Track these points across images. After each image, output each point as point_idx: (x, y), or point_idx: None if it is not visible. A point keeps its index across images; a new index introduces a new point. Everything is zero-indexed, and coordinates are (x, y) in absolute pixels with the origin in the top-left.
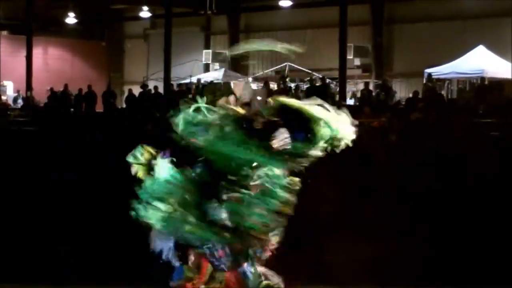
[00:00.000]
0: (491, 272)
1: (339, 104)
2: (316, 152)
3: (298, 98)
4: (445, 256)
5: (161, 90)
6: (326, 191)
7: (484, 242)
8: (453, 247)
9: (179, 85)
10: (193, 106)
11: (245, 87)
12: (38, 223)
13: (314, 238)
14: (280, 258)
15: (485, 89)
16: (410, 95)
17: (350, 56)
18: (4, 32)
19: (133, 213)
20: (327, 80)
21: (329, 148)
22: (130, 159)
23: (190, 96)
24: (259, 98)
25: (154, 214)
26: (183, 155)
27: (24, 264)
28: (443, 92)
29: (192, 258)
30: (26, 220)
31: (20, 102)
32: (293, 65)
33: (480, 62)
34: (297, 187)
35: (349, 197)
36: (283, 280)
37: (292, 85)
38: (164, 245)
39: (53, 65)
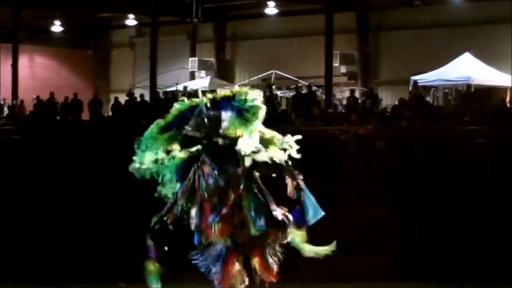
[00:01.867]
0: (478, 271)
1: (325, 112)
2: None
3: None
4: (436, 258)
5: (147, 98)
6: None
7: (472, 243)
8: (443, 251)
9: (165, 93)
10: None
11: None
12: (24, 230)
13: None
14: None
15: (471, 96)
16: (397, 102)
17: (336, 64)
18: None
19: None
20: (313, 88)
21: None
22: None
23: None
24: None
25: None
26: None
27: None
28: (429, 99)
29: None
30: (11, 226)
31: (5, 110)
32: (279, 72)
33: (467, 69)
34: None
35: (335, 202)
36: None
37: (279, 92)
38: None
39: (39, 73)
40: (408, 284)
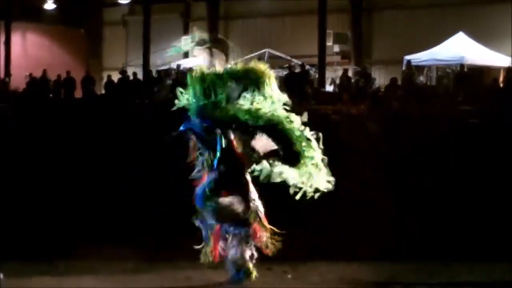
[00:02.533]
0: (470, 250)
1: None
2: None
3: None
4: (428, 236)
5: (140, 76)
6: None
7: (465, 221)
8: (437, 228)
9: (158, 71)
10: None
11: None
12: (15, 208)
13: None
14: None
15: (464, 76)
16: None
17: (329, 43)
18: None
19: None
20: (307, 67)
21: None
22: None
23: (169, 82)
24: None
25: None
26: None
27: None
28: (422, 79)
29: None
30: (2, 205)
31: None
32: (272, 51)
33: (460, 49)
34: None
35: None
36: None
37: (272, 71)
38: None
39: (31, 51)
40: (402, 264)
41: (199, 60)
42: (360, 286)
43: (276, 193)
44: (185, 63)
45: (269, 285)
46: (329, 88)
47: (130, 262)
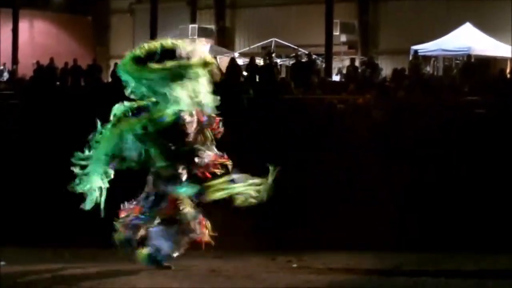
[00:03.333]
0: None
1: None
2: None
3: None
4: (433, 226)
5: None
6: (313, 166)
7: (471, 211)
8: (442, 218)
9: None
10: None
11: None
12: (22, 196)
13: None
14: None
15: (471, 66)
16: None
17: (336, 33)
18: None
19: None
20: (313, 56)
21: None
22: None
23: None
24: None
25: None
26: None
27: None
28: (429, 69)
29: None
30: (9, 192)
31: (5, 75)
32: (279, 40)
33: (467, 39)
34: None
35: (336, 172)
36: None
37: (278, 60)
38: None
39: (38, 39)
40: (406, 254)
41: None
42: (364, 275)
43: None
44: None
45: (273, 274)
46: (336, 78)
47: None
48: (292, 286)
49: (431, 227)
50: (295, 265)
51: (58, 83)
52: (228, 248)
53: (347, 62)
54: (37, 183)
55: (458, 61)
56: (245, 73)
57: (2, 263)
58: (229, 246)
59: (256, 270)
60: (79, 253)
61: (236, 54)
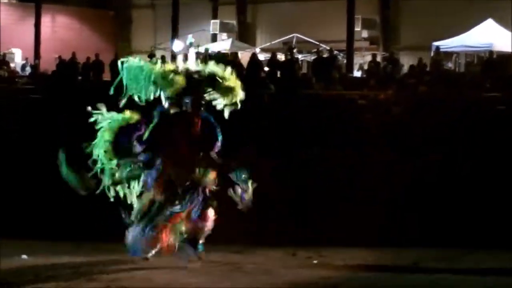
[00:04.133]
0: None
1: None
2: None
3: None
4: (452, 222)
5: (168, 59)
6: (332, 162)
7: (490, 208)
8: (461, 215)
9: (186, 55)
10: None
11: None
12: (41, 189)
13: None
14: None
15: (493, 63)
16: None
17: (357, 28)
18: (13, 0)
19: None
20: (335, 52)
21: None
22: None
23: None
24: None
25: None
26: None
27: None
28: (451, 66)
29: None
30: (29, 186)
31: (28, 69)
32: (300, 36)
33: (489, 35)
34: None
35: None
36: None
37: (300, 56)
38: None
39: (60, 33)
40: (424, 250)
41: (225, 44)
42: (382, 272)
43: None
44: (213, 47)
45: (294, 269)
46: (357, 73)
47: None
48: (312, 282)
49: (449, 224)
50: (315, 261)
51: (80, 78)
52: (248, 244)
53: (368, 58)
54: (54, 177)
55: (482, 55)
56: (266, 69)
57: (24, 256)
58: (249, 241)
59: (276, 266)
60: (98, 246)
61: (258, 50)
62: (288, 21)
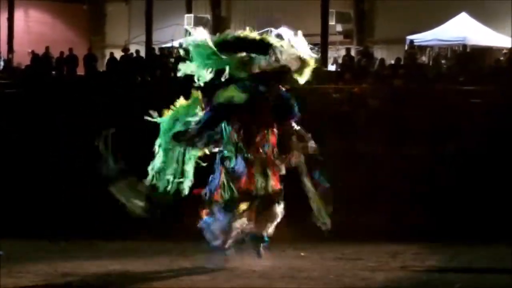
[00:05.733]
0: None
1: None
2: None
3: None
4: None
5: (143, 54)
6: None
7: (465, 201)
8: (435, 209)
9: (161, 49)
10: None
11: None
12: (18, 185)
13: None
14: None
15: (467, 56)
16: (392, 61)
17: (332, 22)
18: None
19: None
20: (309, 46)
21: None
22: None
23: (171, 59)
24: None
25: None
26: None
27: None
28: (425, 59)
29: None
30: (6, 182)
31: (1, 64)
32: (275, 30)
33: (463, 29)
34: None
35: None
36: None
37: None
38: None
39: (34, 27)
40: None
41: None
42: (362, 266)
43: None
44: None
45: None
46: (331, 67)
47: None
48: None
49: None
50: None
51: (53, 72)
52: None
53: (342, 52)
54: (33, 173)
55: (446, 49)
56: None
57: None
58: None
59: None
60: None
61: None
62: (263, 15)
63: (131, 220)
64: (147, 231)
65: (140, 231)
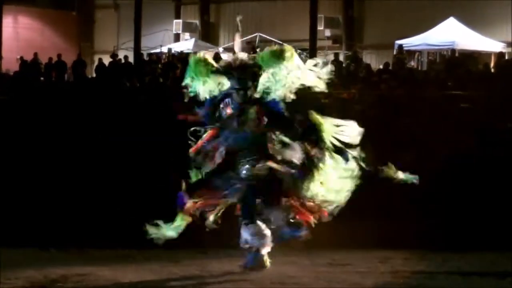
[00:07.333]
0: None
1: None
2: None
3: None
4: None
5: (131, 59)
6: None
7: (455, 207)
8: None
9: (150, 54)
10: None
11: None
12: (7, 192)
13: None
14: None
15: (455, 61)
16: (381, 66)
17: (320, 27)
18: None
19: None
20: (297, 51)
21: None
22: None
23: (160, 65)
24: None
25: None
26: None
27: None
28: (413, 64)
29: None
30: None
31: None
32: (263, 35)
33: (451, 34)
34: None
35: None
36: None
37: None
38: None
39: (23, 34)
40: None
41: (188, 44)
42: (352, 271)
43: None
44: (176, 47)
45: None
46: None
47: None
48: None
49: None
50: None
51: (42, 78)
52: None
53: (331, 57)
54: (21, 180)
55: (435, 54)
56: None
57: None
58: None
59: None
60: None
61: (221, 49)
62: (251, 20)
63: (121, 227)
64: (138, 238)
65: (130, 238)
